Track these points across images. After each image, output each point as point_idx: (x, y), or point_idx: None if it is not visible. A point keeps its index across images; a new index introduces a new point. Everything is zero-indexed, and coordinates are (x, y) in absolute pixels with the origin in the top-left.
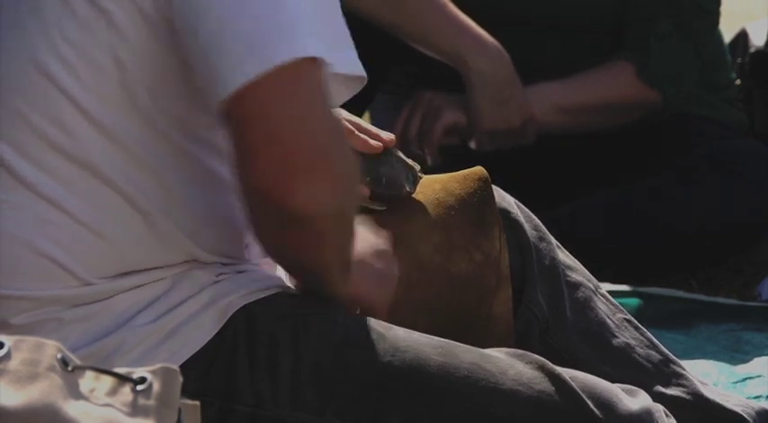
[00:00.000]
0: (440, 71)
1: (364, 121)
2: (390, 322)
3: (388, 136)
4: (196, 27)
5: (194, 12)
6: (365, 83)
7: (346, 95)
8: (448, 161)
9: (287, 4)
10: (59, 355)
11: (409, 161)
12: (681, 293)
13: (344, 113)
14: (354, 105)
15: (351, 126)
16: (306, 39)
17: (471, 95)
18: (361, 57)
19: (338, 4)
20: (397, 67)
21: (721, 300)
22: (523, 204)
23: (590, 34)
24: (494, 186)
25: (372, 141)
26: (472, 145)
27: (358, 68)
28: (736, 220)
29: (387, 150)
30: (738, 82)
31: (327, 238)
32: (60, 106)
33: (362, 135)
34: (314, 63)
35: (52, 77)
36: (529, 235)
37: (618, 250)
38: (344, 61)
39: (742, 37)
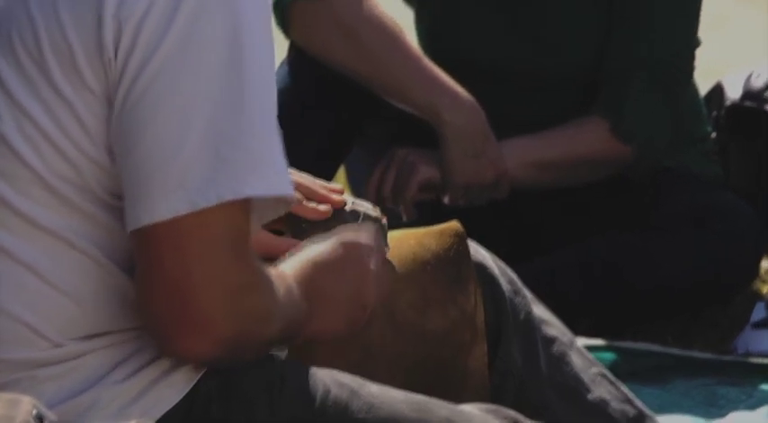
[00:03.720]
0: (414, 125)
1: (315, 181)
2: (365, 377)
3: (338, 195)
4: (135, 142)
5: (136, 128)
6: (294, 202)
7: (277, 214)
8: (423, 216)
9: (225, 136)
10: (35, 412)
11: (374, 214)
12: (656, 348)
13: (295, 175)
14: (330, 159)
15: (299, 194)
16: (238, 179)
17: (445, 150)
18: (337, 110)
19: (274, 118)
20: (373, 121)
21: (697, 354)
22: (499, 258)
23: (564, 89)
24: (469, 241)
25: (321, 207)
26: (446, 200)
27: (288, 190)
28: (712, 274)
29: (339, 211)
30: (714, 135)
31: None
32: (26, 179)
33: (311, 204)
34: (244, 203)
35: (17, 152)
36: (504, 289)
37: (593, 304)
38: (276, 185)
39: (717, 90)
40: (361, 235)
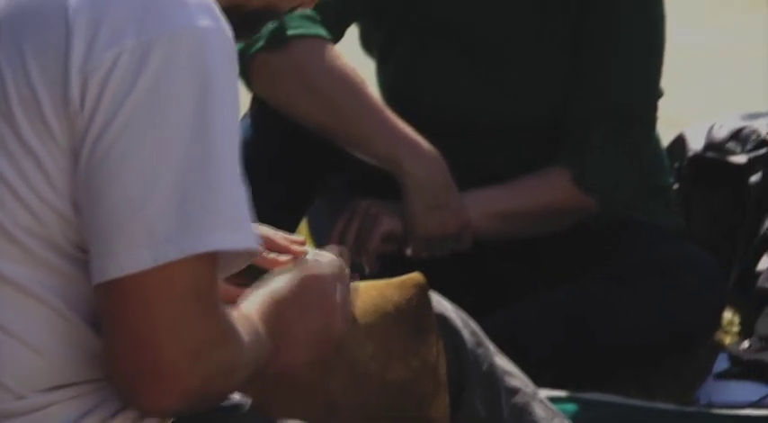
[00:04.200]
0: (377, 177)
1: (276, 232)
2: None
3: (299, 246)
4: (102, 195)
5: (102, 181)
6: (258, 254)
7: (241, 266)
8: (386, 268)
9: (191, 190)
10: None
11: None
12: (619, 399)
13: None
14: (292, 211)
15: (260, 246)
16: (204, 233)
17: (407, 202)
18: (299, 162)
19: (239, 171)
20: (335, 173)
21: (660, 405)
22: (461, 310)
23: (527, 140)
24: (431, 292)
25: (282, 258)
26: (409, 252)
27: (254, 243)
28: (674, 325)
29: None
30: (676, 186)
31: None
32: None
33: (271, 254)
34: (210, 257)
35: None
36: (466, 340)
37: (556, 356)
38: (242, 239)
39: (680, 141)
40: (323, 267)
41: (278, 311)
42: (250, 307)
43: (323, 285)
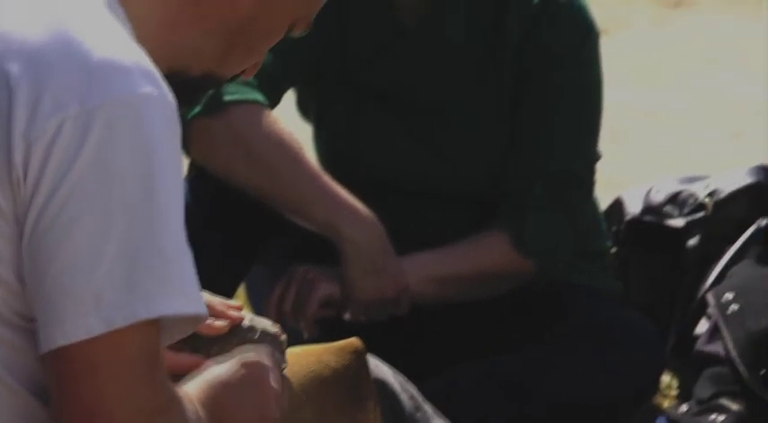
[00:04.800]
0: (316, 242)
1: (213, 297)
2: None
3: (236, 311)
4: (48, 263)
5: (48, 250)
6: (206, 319)
7: (185, 333)
8: (324, 333)
9: (138, 256)
10: None
11: (272, 330)
12: None
13: None
14: (230, 277)
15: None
16: (151, 299)
17: (345, 267)
18: (238, 227)
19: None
20: (273, 239)
21: None
22: (400, 374)
23: (465, 204)
24: (370, 357)
25: (218, 323)
26: (347, 317)
27: (201, 308)
28: (613, 389)
29: (237, 327)
30: (614, 250)
31: None
32: None
33: (208, 320)
34: (157, 323)
35: None
36: (405, 405)
37: (494, 420)
38: (189, 304)
39: (617, 205)
40: (261, 355)
41: (217, 397)
42: (190, 389)
43: (261, 374)
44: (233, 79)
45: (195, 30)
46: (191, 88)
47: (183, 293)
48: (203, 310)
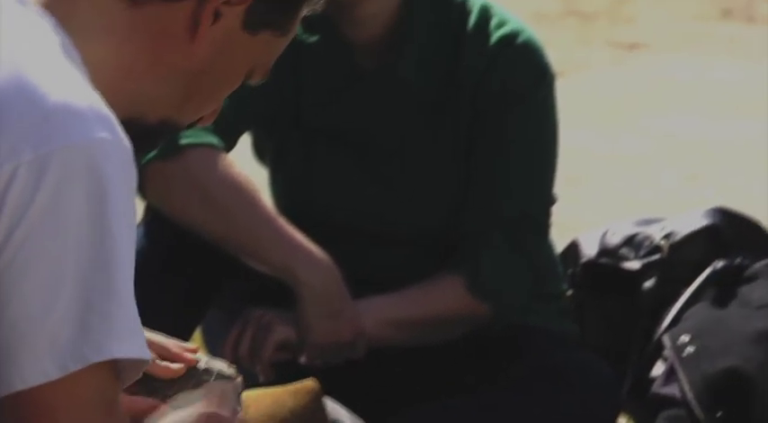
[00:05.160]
0: (272, 285)
1: (169, 340)
2: None
3: (192, 354)
4: (2, 308)
5: (3, 294)
6: (149, 364)
7: (134, 377)
8: (280, 376)
9: (91, 300)
10: None
11: (228, 372)
12: None
13: (149, 335)
14: (186, 321)
15: (153, 353)
16: (104, 341)
17: (301, 310)
18: (194, 271)
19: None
20: (229, 283)
21: None
22: (357, 416)
23: (421, 246)
24: (326, 398)
25: (174, 365)
26: (303, 360)
27: (147, 352)
28: None
29: (193, 369)
30: (570, 293)
31: None
32: None
33: (164, 363)
34: (112, 365)
35: None
36: None
37: None
38: (138, 348)
39: (573, 247)
40: (221, 405)
41: None
42: None
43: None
44: (190, 126)
45: (152, 77)
46: (148, 135)
47: (132, 337)
48: (148, 355)
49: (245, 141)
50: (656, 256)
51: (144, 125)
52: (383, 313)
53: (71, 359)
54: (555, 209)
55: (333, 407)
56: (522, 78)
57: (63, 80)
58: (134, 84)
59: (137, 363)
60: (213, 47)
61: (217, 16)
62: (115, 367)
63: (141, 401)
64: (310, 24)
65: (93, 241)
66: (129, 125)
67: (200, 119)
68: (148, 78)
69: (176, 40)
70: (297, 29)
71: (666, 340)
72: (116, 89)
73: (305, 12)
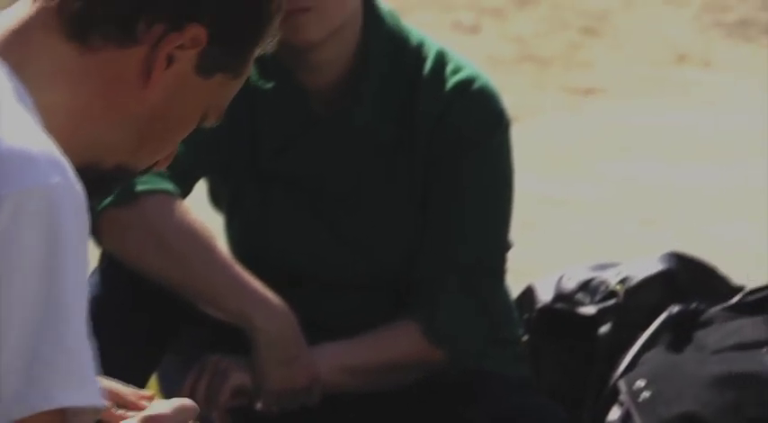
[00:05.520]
0: (228, 332)
1: (125, 388)
2: None
3: (148, 402)
4: None
5: None
6: (104, 411)
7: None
8: (236, 422)
9: (38, 349)
10: None
11: None
12: None
13: (105, 382)
14: (142, 367)
15: (108, 401)
16: (52, 390)
17: (257, 356)
18: (150, 318)
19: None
20: (185, 329)
21: None
22: None
23: (377, 292)
24: None
25: (130, 413)
26: (259, 406)
27: (100, 400)
28: None
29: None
30: (526, 338)
31: None
32: None
33: (120, 410)
34: (59, 413)
35: None
36: None
37: None
38: (89, 396)
39: (529, 293)
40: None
41: None
42: None
43: None
44: (146, 171)
45: (106, 122)
46: (103, 181)
47: (83, 385)
48: (102, 403)
49: (202, 187)
50: (612, 301)
51: (99, 171)
52: (339, 359)
53: (16, 408)
54: (510, 254)
55: None
56: (476, 125)
57: (16, 126)
58: (88, 129)
59: (90, 411)
60: (167, 91)
61: (170, 61)
62: (63, 416)
63: None
64: (266, 70)
65: (42, 288)
66: (84, 171)
67: (156, 163)
68: (103, 124)
69: (130, 85)
70: (250, 71)
71: (622, 385)
72: (70, 135)
73: (257, 53)
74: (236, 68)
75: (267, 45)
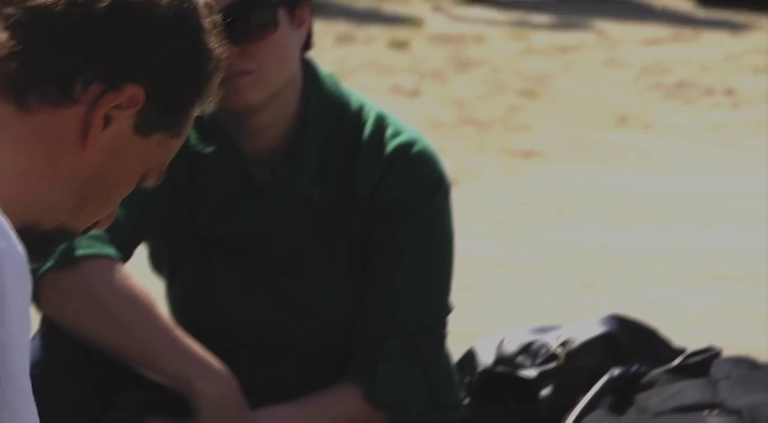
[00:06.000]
0: (170, 395)
1: None
2: None
3: None
4: None
5: None
6: None
7: None
8: None
9: None
10: None
11: None
12: None
13: None
14: None
15: None
16: None
17: (199, 420)
18: (91, 382)
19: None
20: (127, 391)
21: None
22: None
23: (318, 356)
24: None
25: None
26: None
27: None
28: None
29: None
30: (467, 401)
31: None
32: None
33: None
34: None
35: None
36: None
37: None
38: None
39: (470, 356)
40: None
41: None
42: None
43: None
44: (87, 231)
45: (46, 182)
46: (44, 242)
47: None
48: None
49: (142, 252)
50: (553, 364)
51: (39, 232)
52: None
53: None
54: (451, 317)
55: None
56: (415, 189)
57: None
58: (28, 190)
59: None
60: (106, 151)
61: (107, 121)
62: None
63: None
64: (206, 134)
65: None
66: (25, 232)
67: (97, 222)
68: (42, 184)
69: (68, 146)
70: (189, 130)
71: None
72: (10, 196)
73: (197, 113)
74: (175, 128)
75: (207, 104)
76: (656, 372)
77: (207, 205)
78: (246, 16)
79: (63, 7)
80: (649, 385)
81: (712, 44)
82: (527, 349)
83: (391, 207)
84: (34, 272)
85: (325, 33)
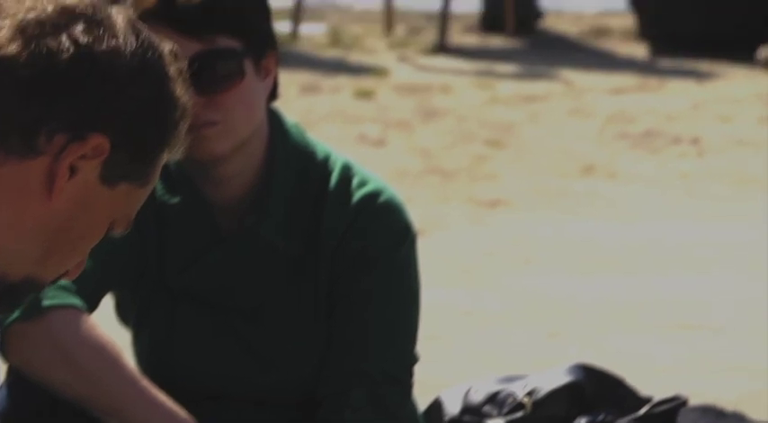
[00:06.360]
0: None
1: None
2: None
3: None
4: None
5: None
6: None
7: None
8: None
9: None
10: None
11: None
12: None
13: None
14: None
15: None
16: None
17: None
18: None
19: None
20: None
21: None
22: None
23: (284, 407)
24: None
25: None
26: None
27: None
28: None
29: None
30: None
31: None
32: None
33: None
34: None
35: None
36: None
37: None
38: None
39: (436, 405)
40: None
41: None
42: None
43: None
44: (55, 281)
45: (13, 234)
46: (11, 293)
47: None
48: None
49: (108, 302)
50: (520, 414)
51: (6, 283)
52: None
53: None
54: (417, 367)
55: None
56: (381, 239)
57: None
58: None
59: None
60: (72, 201)
61: (73, 171)
62: None
63: None
64: (172, 184)
65: None
66: None
67: (66, 273)
68: (9, 236)
69: (34, 197)
70: (156, 179)
71: None
72: None
73: (164, 161)
74: (141, 177)
75: (174, 153)
76: (623, 421)
77: (174, 255)
78: (212, 66)
79: (26, 58)
80: None
81: (678, 93)
82: (494, 399)
83: (357, 256)
84: (0, 322)
85: (291, 83)
